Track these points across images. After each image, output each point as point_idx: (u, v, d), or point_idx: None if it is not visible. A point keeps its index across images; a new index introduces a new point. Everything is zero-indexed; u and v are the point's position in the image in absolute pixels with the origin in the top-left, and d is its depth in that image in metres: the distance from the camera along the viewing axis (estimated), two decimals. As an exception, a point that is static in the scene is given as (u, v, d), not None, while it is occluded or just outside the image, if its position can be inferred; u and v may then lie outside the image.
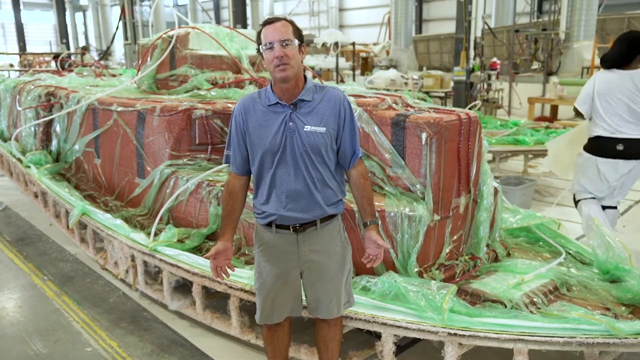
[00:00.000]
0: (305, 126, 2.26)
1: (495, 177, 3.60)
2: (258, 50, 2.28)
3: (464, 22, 10.46)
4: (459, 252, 3.23)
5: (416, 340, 3.17)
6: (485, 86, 11.31)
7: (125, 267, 4.01)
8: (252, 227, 3.37)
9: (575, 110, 4.36)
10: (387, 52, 18.07)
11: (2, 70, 17.61)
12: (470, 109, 7.67)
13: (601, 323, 2.40)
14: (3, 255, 4.96)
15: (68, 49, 25.87)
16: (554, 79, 11.94)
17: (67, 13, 31.43)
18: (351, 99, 3.30)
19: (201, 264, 3.30)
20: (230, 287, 3.10)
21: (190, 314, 3.54)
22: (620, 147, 4.03)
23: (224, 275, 2.43)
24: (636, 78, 3.98)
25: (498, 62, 11.98)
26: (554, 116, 11.57)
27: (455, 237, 3.17)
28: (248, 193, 2.48)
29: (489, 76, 11.33)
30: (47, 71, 9.32)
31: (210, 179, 3.77)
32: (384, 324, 2.65)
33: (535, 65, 14.32)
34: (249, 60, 5.08)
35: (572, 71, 12.59)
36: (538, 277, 3.03)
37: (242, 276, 3.04)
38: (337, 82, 11.19)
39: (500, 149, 6.66)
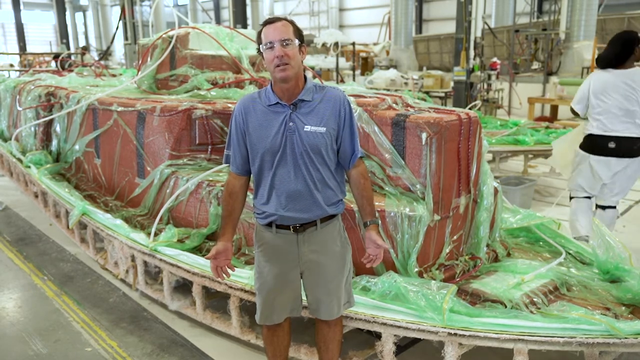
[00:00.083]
0: (306, 126, 2.26)
1: (495, 177, 3.60)
2: (258, 50, 2.28)
3: (464, 22, 10.45)
4: (459, 252, 3.24)
5: (416, 340, 3.17)
6: (485, 86, 11.31)
7: (125, 267, 4.01)
8: (252, 227, 3.37)
9: (572, 110, 4.46)
10: (387, 52, 18.05)
11: (2, 70, 17.61)
12: (470, 109, 7.67)
13: (601, 323, 2.40)
14: (3, 255, 4.96)
15: (68, 49, 25.86)
16: (554, 79, 11.94)
17: (67, 13, 31.42)
18: (351, 99, 3.30)
19: (201, 264, 3.30)
20: (230, 287, 3.10)
21: (190, 314, 3.54)
22: (612, 144, 4.12)
23: (224, 275, 2.44)
24: (630, 77, 4.06)
25: (498, 62, 11.98)
26: (554, 116, 11.57)
27: (455, 237, 3.17)
28: (248, 193, 2.48)
29: (489, 76, 11.33)
30: (47, 71, 9.31)
31: (211, 179, 3.77)
32: (384, 324, 2.65)
33: (535, 65, 14.31)
34: (249, 60, 5.08)
35: (572, 71, 12.58)
36: (538, 277, 3.03)
37: (242, 276, 3.04)
38: (337, 82, 11.19)
39: (500, 149, 6.66)
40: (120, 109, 4.62)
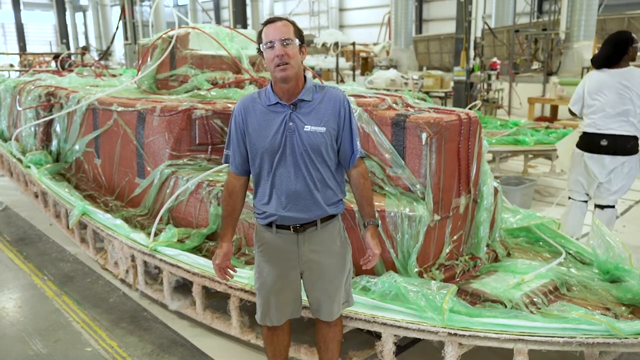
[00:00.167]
0: (305, 126, 2.26)
1: (495, 177, 3.60)
2: (259, 49, 2.28)
3: (464, 22, 10.45)
4: (459, 252, 3.23)
5: (416, 340, 3.17)
6: (485, 86, 11.30)
7: (126, 267, 4.01)
8: (252, 227, 3.37)
9: (570, 110, 4.55)
10: (387, 52, 18.05)
11: (2, 70, 17.61)
12: (470, 109, 7.67)
13: (601, 323, 2.40)
14: (3, 255, 4.96)
15: (68, 49, 25.86)
16: (554, 79, 11.93)
17: (67, 13, 31.42)
18: (351, 99, 3.30)
19: (201, 264, 3.30)
20: (230, 287, 3.10)
21: (190, 314, 3.54)
22: (604, 142, 4.18)
23: (228, 276, 2.46)
24: (625, 76, 4.11)
25: (498, 62, 11.97)
26: (554, 116, 11.58)
27: (455, 237, 3.17)
28: (248, 193, 2.49)
29: (489, 76, 11.32)
30: (47, 71, 9.31)
31: (210, 179, 3.77)
32: (384, 324, 2.65)
33: (535, 65, 14.30)
34: (249, 61, 5.08)
35: (572, 71, 12.58)
36: (538, 277, 3.03)
37: (242, 276, 3.03)
38: (337, 82, 11.20)
39: (500, 149, 6.66)
40: (120, 109, 4.62)
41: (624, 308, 2.79)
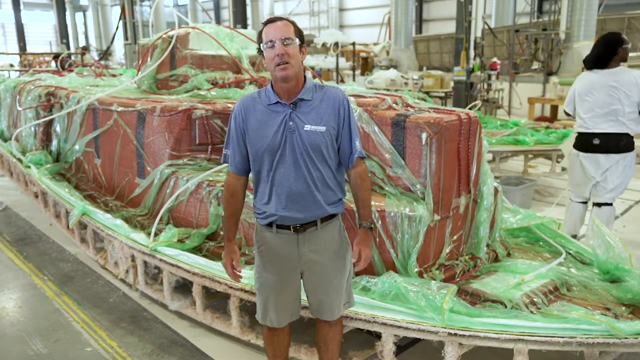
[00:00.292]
0: (305, 125, 2.26)
1: (495, 177, 3.60)
2: (259, 49, 2.28)
3: (464, 22, 10.45)
4: (459, 252, 3.23)
5: (416, 340, 3.17)
6: (486, 86, 11.30)
7: (126, 267, 4.01)
8: (252, 227, 3.37)
9: (565, 112, 4.65)
10: (387, 52, 18.04)
11: (2, 70, 17.61)
12: (470, 109, 7.67)
13: (601, 323, 2.40)
14: (3, 255, 4.96)
15: (68, 49, 25.85)
16: (554, 79, 11.93)
17: (67, 13, 31.40)
18: (351, 99, 3.30)
19: (201, 264, 3.30)
20: (231, 287, 3.10)
21: (190, 314, 3.54)
22: (596, 141, 4.26)
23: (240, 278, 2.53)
24: (614, 77, 4.18)
25: (498, 62, 11.96)
26: (554, 116, 11.57)
27: (455, 237, 3.17)
28: (248, 193, 2.49)
29: (489, 76, 11.32)
30: (47, 71, 9.31)
31: (211, 179, 3.77)
32: (384, 324, 2.65)
33: (536, 65, 14.28)
34: (249, 60, 5.08)
35: (572, 71, 12.55)
36: (538, 277, 3.03)
37: (242, 276, 3.02)
38: (337, 82, 11.19)
39: (500, 149, 6.67)
40: (120, 109, 4.62)
41: (624, 308, 2.79)
